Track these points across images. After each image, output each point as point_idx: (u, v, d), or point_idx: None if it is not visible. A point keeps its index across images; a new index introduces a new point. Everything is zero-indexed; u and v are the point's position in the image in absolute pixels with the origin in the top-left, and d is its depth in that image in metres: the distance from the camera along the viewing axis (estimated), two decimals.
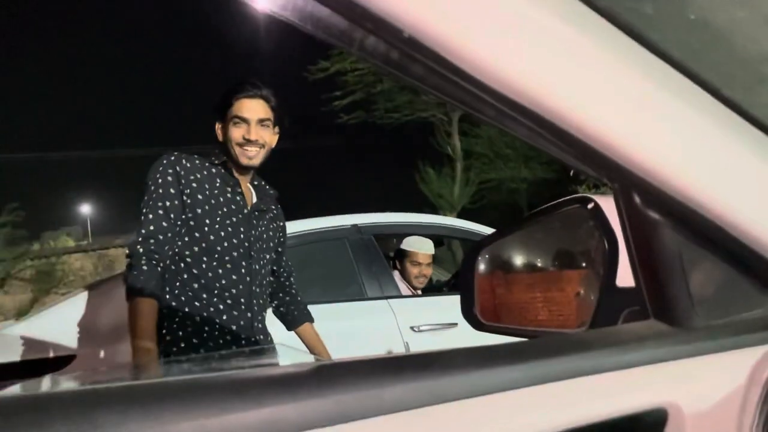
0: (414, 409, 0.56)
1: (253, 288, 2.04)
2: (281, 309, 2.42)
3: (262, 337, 2.09)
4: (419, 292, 3.74)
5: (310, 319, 2.43)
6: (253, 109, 2.02)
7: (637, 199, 0.62)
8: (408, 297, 3.48)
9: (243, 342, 1.99)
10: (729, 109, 0.60)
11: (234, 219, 2.03)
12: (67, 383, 1.06)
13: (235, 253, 2.00)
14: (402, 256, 3.76)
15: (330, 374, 0.60)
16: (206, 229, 1.97)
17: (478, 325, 0.92)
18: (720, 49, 0.61)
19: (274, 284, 2.37)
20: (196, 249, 1.96)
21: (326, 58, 20.38)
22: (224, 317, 1.96)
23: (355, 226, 3.53)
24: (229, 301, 1.97)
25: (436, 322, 3.22)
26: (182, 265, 1.96)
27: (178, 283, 1.95)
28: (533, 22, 0.53)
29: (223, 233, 1.99)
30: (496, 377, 0.59)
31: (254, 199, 2.16)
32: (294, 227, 3.40)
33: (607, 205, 0.74)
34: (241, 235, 2.03)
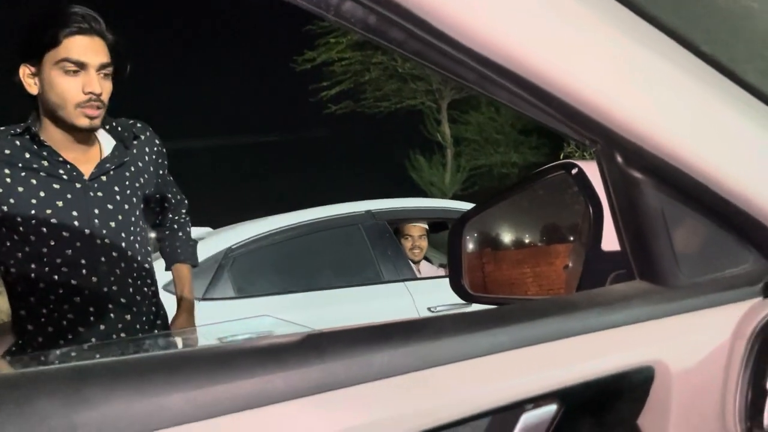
0: (402, 375, 0.56)
1: (111, 286, 1.63)
2: (160, 244, 2.05)
3: (148, 325, 1.75)
4: (423, 266, 3.90)
5: (189, 260, 2.03)
6: (93, 50, 1.50)
7: (619, 159, 0.62)
8: (424, 279, 3.58)
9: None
10: (709, 66, 0.60)
11: (60, 203, 1.56)
12: (54, 359, 1.06)
13: (69, 251, 1.57)
14: (397, 234, 3.87)
15: (318, 343, 0.60)
16: (22, 228, 1.54)
17: (467, 297, 0.92)
18: (700, 4, 0.61)
19: (159, 217, 2.01)
20: (20, 255, 1.56)
21: (312, 48, 20.32)
22: (80, 328, 1.60)
23: (368, 212, 3.63)
24: (79, 310, 1.60)
25: (453, 302, 3.20)
26: (14, 273, 1.58)
27: (20, 291, 1.60)
28: None
29: (45, 228, 1.55)
30: (484, 341, 0.60)
31: (105, 154, 1.68)
32: (307, 215, 3.52)
33: (591, 171, 0.74)
34: (76, 222, 1.57)
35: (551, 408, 0.59)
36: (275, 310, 2.98)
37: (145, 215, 1.82)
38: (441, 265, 4.33)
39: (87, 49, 1.49)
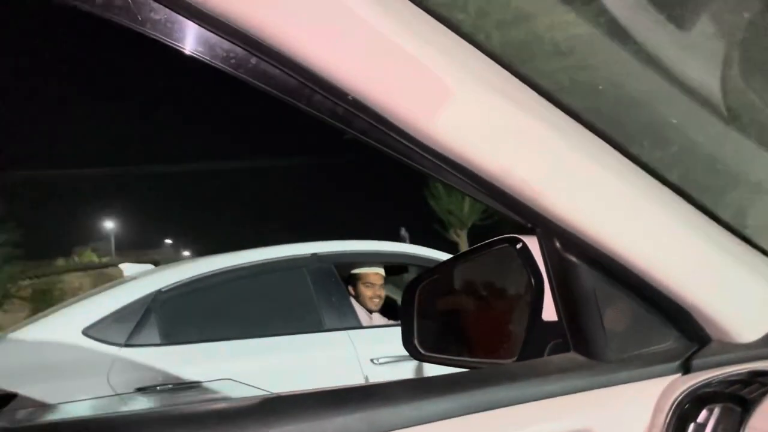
0: None
1: None
2: None
3: None
4: (375, 315, 3.72)
5: None
6: None
7: (557, 243, 0.69)
8: (369, 327, 3.40)
9: None
10: (636, 166, 0.68)
11: None
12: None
13: None
14: (354, 280, 3.73)
15: (275, 407, 0.64)
16: None
17: (417, 356, 0.97)
18: (629, 111, 0.69)
19: None
20: None
21: None
22: None
23: (314, 255, 3.45)
24: None
25: (397, 354, 3.16)
26: None
27: None
28: (463, 92, 0.60)
29: None
30: (432, 407, 0.65)
31: None
32: (251, 256, 3.33)
33: (534, 244, 0.80)
34: None
35: None
36: (205, 358, 2.87)
37: None
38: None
39: None
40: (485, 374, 0.72)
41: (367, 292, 3.66)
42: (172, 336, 2.97)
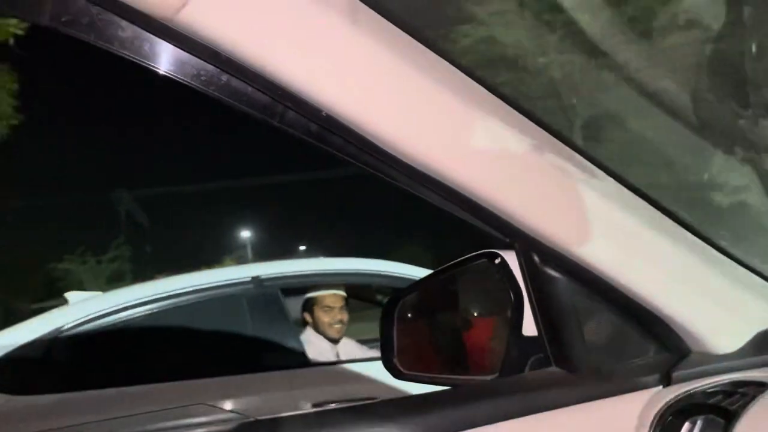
0: None
1: None
2: None
3: None
4: (349, 344, 3.18)
5: None
6: None
7: (536, 258, 0.69)
8: (316, 365, 2.82)
9: None
10: (618, 184, 0.69)
11: None
12: None
13: None
14: (311, 305, 3.14)
15: None
16: None
17: (397, 374, 0.96)
18: (603, 126, 0.69)
19: None
20: None
21: None
22: None
23: (256, 278, 2.89)
24: None
25: (352, 396, 2.56)
26: None
27: None
28: (437, 102, 0.60)
29: None
30: (412, 427, 0.63)
31: None
32: (182, 283, 2.81)
33: (513, 259, 0.80)
34: None
35: None
36: (103, 408, 2.38)
37: None
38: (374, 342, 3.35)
39: None
40: (465, 392, 0.71)
41: (325, 318, 3.07)
42: (69, 382, 2.52)
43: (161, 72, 0.57)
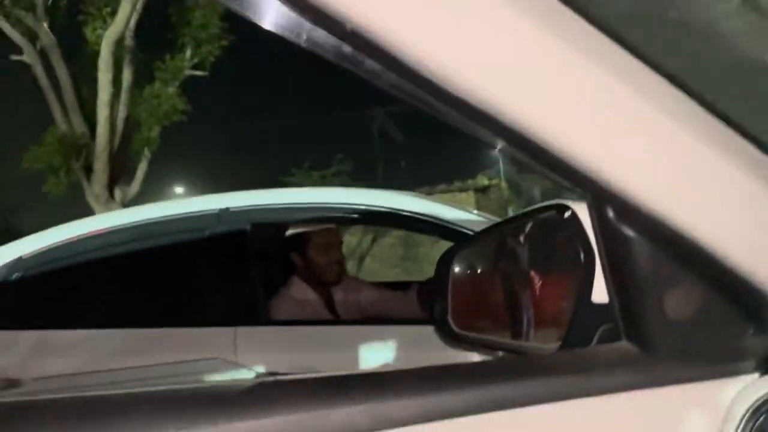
0: None
1: None
2: None
3: None
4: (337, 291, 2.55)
5: None
6: None
7: (610, 214, 0.57)
8: (273, 325, 2.32)
9: None
10: (718, 120, 0.55)
11: None
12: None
13: None
14: (296, 245, 2.48)
15: (272, 391, 0.57)
16: None
17: (451, 336, 0.88)
18: (707, 53, 0.56)
19: None
20: None
21: None
22: None
23: (226, 210, 2.36)
24: None
25: (308, 366, 1.90)
26: None
27: None
28: (502, 20, 0.49)
29: None
30: (453, 400, 0.55)
31: None
32: (132, 215, 2.44)
33: (585, 213, 0.69)
34: None
35: None
36: (44, 349, 2.21)
37: None
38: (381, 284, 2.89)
39: None
40: (516, 364, 0.62)
41: (320, 258, 2.46)
42: (24, 319, 2.33)
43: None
